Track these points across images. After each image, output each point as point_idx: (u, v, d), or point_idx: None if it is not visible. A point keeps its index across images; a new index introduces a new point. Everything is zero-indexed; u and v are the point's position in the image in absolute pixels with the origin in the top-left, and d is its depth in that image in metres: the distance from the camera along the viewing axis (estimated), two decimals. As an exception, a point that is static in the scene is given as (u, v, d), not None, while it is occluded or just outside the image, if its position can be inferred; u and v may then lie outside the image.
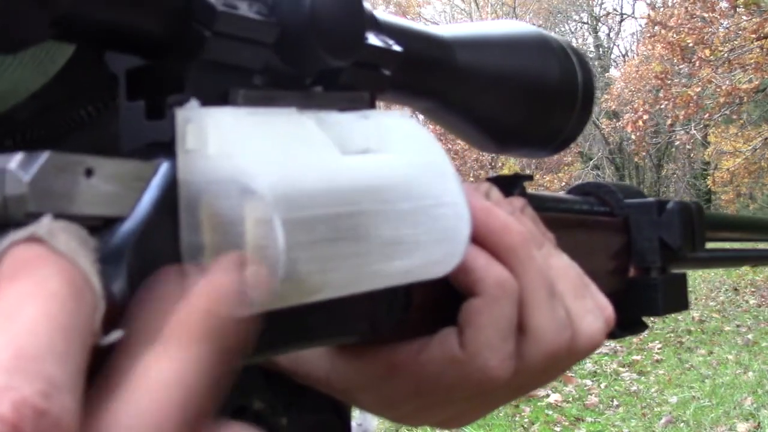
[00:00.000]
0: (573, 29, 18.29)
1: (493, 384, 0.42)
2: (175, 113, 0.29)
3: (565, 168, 14.97)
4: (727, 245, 0.88)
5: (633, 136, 12.21)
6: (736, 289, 8.91)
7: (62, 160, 0.25)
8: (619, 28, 18.14)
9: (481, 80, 0.48)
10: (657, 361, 6.02)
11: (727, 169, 11.93)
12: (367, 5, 0.37)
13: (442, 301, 0.42)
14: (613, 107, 13.42)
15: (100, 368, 0.23)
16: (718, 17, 9.61)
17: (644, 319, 0.63)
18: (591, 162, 15.55)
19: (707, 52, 9.38)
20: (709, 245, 0.70)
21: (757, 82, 9.55)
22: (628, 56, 17.27)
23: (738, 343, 6.36)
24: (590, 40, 17.99)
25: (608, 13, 18.05)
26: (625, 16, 17.84)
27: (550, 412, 4.82)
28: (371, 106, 0.39)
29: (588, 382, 5.47)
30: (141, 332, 0.24)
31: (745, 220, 1.13)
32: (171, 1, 0.30)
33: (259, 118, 0.30)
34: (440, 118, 0.49)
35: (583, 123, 0.53)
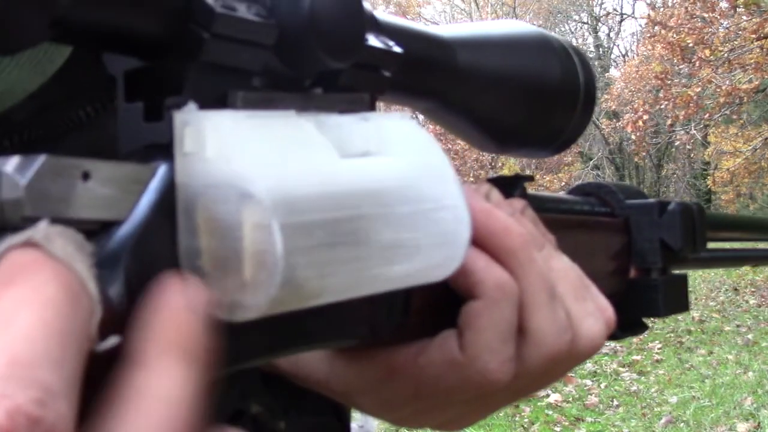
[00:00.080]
0: (573, 29, 18.30)
1: (493, 387, 0.42)
2: (173, 116, 0.29)
3: (565, 168, 14.97)
4: (727, 245, 0.88)
5: (633, 136, 12.21)
6: (736, 289, 8.91)
7: (59, 163, 0.25)
8: (619, 28, 18.15)
9: (482, 80, 0.47)
10: (657, 361, 6.02)
11: (727, 169, 11.93)
12: (367, 6, 0.37)
13: (441, 304, 0.41)
14: (613, 107, 13.41)
15: (96, 375, 0.23)
16: (718, 17, 9.61)
17: (644, 319, 0.63)
18: (591, 162, 15.55)
19: (707, 52, 9.38)
20: (710, 245, 0.70)
21: (757, 82, 9.55)
22: (628, 56, 17.27)
23: (738, 343, 6.36)
24: (590, 40, 17.99)
25: (608, 13, 18.05)
26: (625, 16, 17.85)
27: (550, 412, 4.82)
28: (371, 107, 0.38)
29: (588, 382, 5.47)
30: (138, 344, 0.24)
31: (746, 220, 1.13)
32: (170, 3, 0.30)
33: (258, 121, 0.30)
34: (441, 119, 0.49)
35: (584, 123, 0.53)
